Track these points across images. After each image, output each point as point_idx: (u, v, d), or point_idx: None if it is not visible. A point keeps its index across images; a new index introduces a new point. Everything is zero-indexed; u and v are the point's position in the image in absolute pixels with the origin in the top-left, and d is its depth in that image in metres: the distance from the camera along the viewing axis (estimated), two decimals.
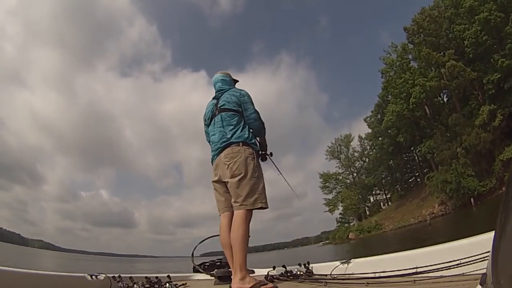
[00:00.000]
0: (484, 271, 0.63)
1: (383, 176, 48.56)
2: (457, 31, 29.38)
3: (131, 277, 2.35)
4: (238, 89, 2.48)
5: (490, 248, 0.47)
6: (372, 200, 53.66)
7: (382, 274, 1.61)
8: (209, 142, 2.54)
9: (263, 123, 2.43)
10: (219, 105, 2.40)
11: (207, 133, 2.54)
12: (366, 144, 50.90)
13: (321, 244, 62.00)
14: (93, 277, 2.14)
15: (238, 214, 2.09)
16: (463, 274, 1.24)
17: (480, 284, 0.64)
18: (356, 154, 52.36)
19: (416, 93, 31.73)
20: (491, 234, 0.53)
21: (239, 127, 2.29)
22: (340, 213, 51.04)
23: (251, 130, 2.37)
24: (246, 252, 2.02)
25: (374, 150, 47.90)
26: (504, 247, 0.43)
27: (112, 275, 2.19)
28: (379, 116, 42.74)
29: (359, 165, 52.68)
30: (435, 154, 31.84)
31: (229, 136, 2.26)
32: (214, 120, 2.40)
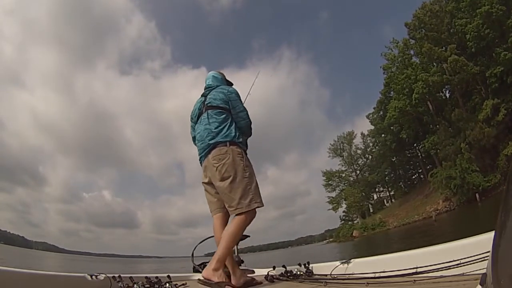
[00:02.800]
0: (484, 271, 0.61)
1: (386, 173, 48.37)
2: (458, 25, 29.14)
3: (131, 277, 2.34)
4: (226, 87, 2.44)
5: (490, 248, 0.47)
6: (375, 197, 53.65)
7: (382, 274, 1.59)
8: (193, 140, 2.51)
9: (251, 123, 2.38)
10: (206, 103, 2.36)
11: (193, 127, 2.50)
12: (368, 141, 50.90)
13: (325, 242, 62.12)
14: (93, 277, 2.12)
15: (238, 218, 2.04)
16: (463, 274, 1.22)
17: (480, 284, 0.61)
18: (359, 151, 52.40)
19: (419, 89, 31.52)
20: (491, 234, 0.52)
21: (225, 125, 2.23)
22: (343, 211, 51.12)
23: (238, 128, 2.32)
24: (231, 248, 2.00)
25: (377, 147, 47.79)
26: (504, 247, 0.43)
27: (112, 275, 2.18)
28: (381, 113, 42.58)
29: (362, 162, 52.66)
30: (439, 150, 31.66)
31: (215, 134, 2.20)
32: (201, 118, 2.35)
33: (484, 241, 1.25)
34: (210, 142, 2.20)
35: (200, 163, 2.36)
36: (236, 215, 2.06)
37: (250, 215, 2.07)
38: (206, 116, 2.29)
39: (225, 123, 2.23)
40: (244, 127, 2.33)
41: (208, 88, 2.46)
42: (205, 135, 2.24)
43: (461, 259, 1.26)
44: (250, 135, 2.44)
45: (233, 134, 2.21)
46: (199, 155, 2.34)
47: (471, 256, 1.21)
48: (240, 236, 2.03)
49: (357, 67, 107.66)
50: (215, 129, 2.21)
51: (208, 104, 2.32)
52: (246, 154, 2.28)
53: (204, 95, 2.45)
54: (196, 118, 2.43)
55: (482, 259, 1.14)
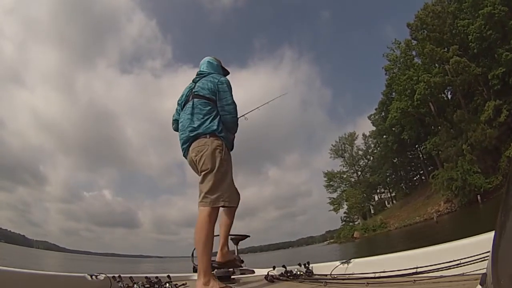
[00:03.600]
0: (484, 271, 0.62)
1: (387, 174, 48.26)
2: (460, 26, 29.08)
3: (131, 277, 2.33)
4: (218, 76, 2.31)
5: (490, 248, 0.47)
6: (376, 198, 53.48)
7: (382, 274, 1.60)
8: (173, 122, 2.47)
9: (237, 118, 2.26)
10: (194, 90, 2.26)
11: (177, 111, 2.43)
12: (370, 142, 50.78)
13: (326, 243, 61.95)
14: (93, 277, 2.11)
15: (200, 213, 1.98)
16: (463, 274, 1.22)
17: (480, 284, 0.62)
18: (360, 152, 52.27)
19: (421, 90, 31.42)
20: (491, 234, 0.53)
21: (209, 117, 2.13)
22: (344, 212, 50.97)
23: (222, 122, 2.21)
24: (210, 255, 1.94)
25: (378, 148, 47.66)
26: (504, 247, 0.43)
27: (112, 275, 2.17)
28: (383, 114, 42.48)
29: (364, 163, 52.53)
30: (440, 151, 31.55)
31: (196, 125, 2.12)
32: (187, 105, 2.25)
33: (484, 241, 1.24)
34: (191, 134, 2.14)
35: (184, 155, 2.28)
36: (200, 208, 2.00)
37: (213, 212, 1.99)
38: (191, 105, 2.19)
39: (209, 115, 2.13)
40: (228, 122, 2.19)
41: (199, 75, 2.37)
42: (186, 125, 2.17)
43: (461, 259, 1.25)
44: (235, 131, 2.31)
45: (215, 127, 2.11)
46: (181, 145, 2.26)
47: (471, 256, 1.21)
48: (211, 238, 1.96)
49: (359, 67, 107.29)
50: (197, 120, 2.13)
51: (195, 93, 2.23)
52: (228, 149, 2.21)
53: (194, 81, 2.37)
54: (182, 104, 2.35)
55: (482, 259, 1.14)
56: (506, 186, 0.45)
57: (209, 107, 2.16)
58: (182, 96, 2.40)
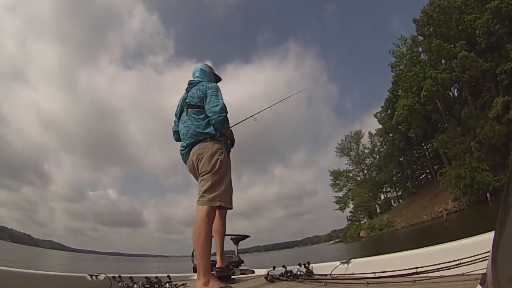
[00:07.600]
0: (484, 271, 0.61)
1: (393, 173, 47.85)
2: (467, 21, 28.59)
3: (131, 277, 2.34)
4: (207, 83, 2.36)
5: (490, 248, 0.47)
6: (382, 197, 53.07)
7: (382, 274, 1.58)
8: (173, 134, 2.55)
9: (225, 117, 2.21)
10: (186, 101, 2.35)
11: (175, 123, 2.52)
12: (376, 140, 50.44)
13: (332, 243, 61.72)
14: (93, 277, 2.12)
15: (198, 212, 2.00)
16: (463, 274, 1.21)
17: (480, 284, 0.61)
18: (366, 151, 52.00)
19: (428, 86, 31.01)
20: (491, 234, 0.53)
21: (204, 124, 2.20)
22: (350, 211, 50.73)
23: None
24: (209, 256, 1.96)
25: (384, 147, 47.31)
26: (504, 247, 0.43)
27: (112, 275, 2.19)
28: (389, 112, 42.09)
29: (370, 162, 52.28)
30: (447, 149, 31.13)
31: (195, 132, 2.20)
32: (182, 115, 2.35)
33: (484, 241, 1.23)
34: (191, 140, 2.21)
35: (183, 159, 2.35)
36: (198, 207, 2.03)
37: (209, 211, 2.01)
38: (186, 114, 2.30)
39: (204, 121, 2.21)
40: (215, 122, 2.19)
41: (190, 84, 2.44)
42: (185, 133, 2.26)
43: (461, 259, 1.24)
44: (224, 129, 2.28)
45: (213, 132, 2.19)
46: (180, 151, 2.34)
47: (471, 256, 1.20)
48: (208, 236, 1.98)
49: (366, 61, 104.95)
50: (195, 127, 2.21)
51: (188, 103, 2.32)
52: (227, 152, 2.27)
53: (186, 91, 2.44)
54: (179, 114, 2.45)
55: (482, 259, 1.13)
56: (506, 185, 0.46)
57: (203, 115, 2.24)
58: (177, 107, 2.50)
